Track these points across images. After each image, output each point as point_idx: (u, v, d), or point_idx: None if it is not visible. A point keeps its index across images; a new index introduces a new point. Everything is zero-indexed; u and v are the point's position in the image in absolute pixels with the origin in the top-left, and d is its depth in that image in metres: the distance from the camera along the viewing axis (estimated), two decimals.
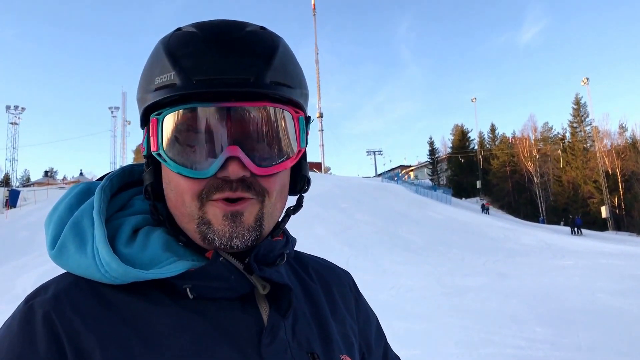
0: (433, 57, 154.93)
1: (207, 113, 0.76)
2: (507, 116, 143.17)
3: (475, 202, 69.33)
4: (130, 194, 0.93)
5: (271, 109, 0.79)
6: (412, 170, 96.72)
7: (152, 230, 0.84)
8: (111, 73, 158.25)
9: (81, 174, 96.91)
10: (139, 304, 0.77)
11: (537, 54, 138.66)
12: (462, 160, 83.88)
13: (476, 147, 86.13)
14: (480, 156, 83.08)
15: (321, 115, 78.35)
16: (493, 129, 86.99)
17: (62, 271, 0.82)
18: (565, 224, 46.58)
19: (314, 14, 79.76)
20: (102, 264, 0.75)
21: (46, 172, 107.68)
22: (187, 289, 0.78)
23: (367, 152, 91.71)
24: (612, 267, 16.57)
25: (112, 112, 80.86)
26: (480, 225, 32.36)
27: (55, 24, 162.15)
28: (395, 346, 1.16)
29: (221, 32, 0.78)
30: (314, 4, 79.95)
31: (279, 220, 0.90)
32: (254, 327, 0.81)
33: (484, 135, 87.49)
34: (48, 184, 73.05)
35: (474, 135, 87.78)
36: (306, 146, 0.88)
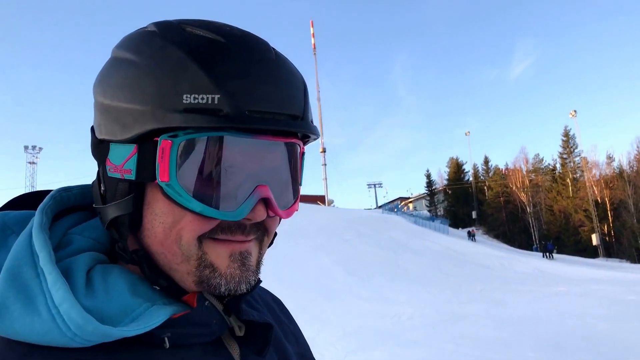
0: (428, 93, 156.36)
1: (243, 147, 0.63)
2: (500, 148, 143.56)
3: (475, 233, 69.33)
4: (64, 225, 0.73)
5: (295, 146, 0.70)
6: (411, 201, 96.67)
7: (107, 271, 0.67)
8: None
9: None
10: None
11: (527, 87, 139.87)
12: (458, 192, 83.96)
13: (471, 178, 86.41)
14: (475, 187, 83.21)
15: (324, 150, 78.70)
16: (487, 161, 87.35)
17: None
18: (539, 249, 47.20)
19: (315, 53, 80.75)
20: (70, 326, 0.56)
21: None
22: (166, 339, 0.64)
23: (368, 184, 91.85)
24: (603, 293, 16.57)
25: None
26: (477, 254, 32.35)
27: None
28: None
29: (255, 51, 0.65)
30: (314, 44, 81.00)
31: None
32: None
33: (478, 167, 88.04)
34: None
35: (468, 167, 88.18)
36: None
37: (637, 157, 66.64)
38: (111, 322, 0.61)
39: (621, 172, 67.20)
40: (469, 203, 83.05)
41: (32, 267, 0.61)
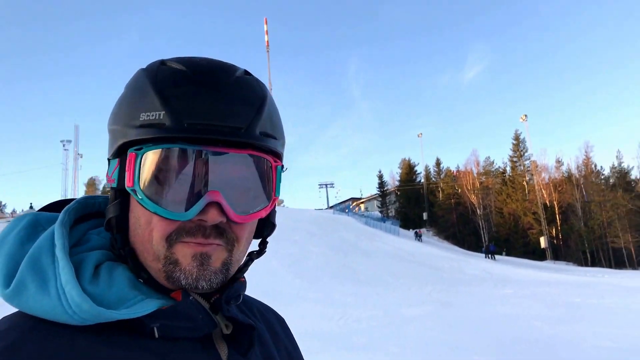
0: (382, 95, 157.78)
1: (192, 156, 0.73)
2: (452, 151, 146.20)
3: (423, 233, 70.29)
4: (85, 227, 0.87)
5: (255, 158, 0.78)
6: (362, 202, 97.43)
7: (114, 267, 0.79)
8: (63, 105, 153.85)
9: (31, 207, 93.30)
10: (102, 349, 0.70)
11: (480, 92, 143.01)
12: (409, 193, 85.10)
13: (422, 180, 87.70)
14: (426, 189, 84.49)
15: None
16: (438, 163, 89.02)
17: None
18: (483, 251, 49.43)
19: (268, 51, 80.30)
20: (71, 305, 0.68)
21: None
22: (155, 328, 0.74)
23: (320, 185, 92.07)
24: (549, 295, 16.97)
25: (63, 145, 77.54)
26: (427, 256, 32.80)
27: (5, 55, 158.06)
28: None
29: (213, 75, 0.76)
30: (267, 42, 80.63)
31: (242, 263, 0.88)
32: None
33: (429, 168, 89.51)
34: None
35: (420, 169, 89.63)
36: (279, 196, 0.86)
37: (585, 161, 69.16)
38: (108, 307, 0.71)
39: (569, 176, 69.61)
40: (420, 204, 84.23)
41: (50, 255, 0.74)
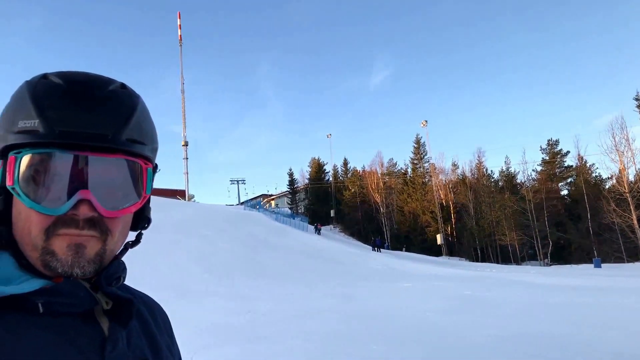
0: (293, 95, 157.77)
1: (64, 160, 0.80)
2: (359, 152, 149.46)
3: (329, 230, 71.27)
4: None
5: (123, 161, 0.85)
6: (273, 199, 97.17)
7: (1, 253, 0.85)
8: None
9: None
10: None
11: (385, 96, 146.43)
12: (318, 191, 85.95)
13: (330, 178, 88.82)
14: (334, 187, 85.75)
15: (186, 144, 76.63)
16: (346, 163, 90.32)
17: None
18: (370, 244, 52.44)
19: (180, 45, 78.20)
20: None
21: None
22: (39, 304, 0.80)
23: (231, 180, 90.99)
24: (443, 289, 17.79)
25: None
26: (333, 251, 33.36)
27: None
28: None
29: (85, 88, 0.83)
30: (180, 36, 78.63)
31: (117, 252, 0.94)
32: (97, 338, 0.85)
33: (337, 168, 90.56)
34: None
35: (329, 168, 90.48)
36: (150, 194, 0.94)
37: (478, 165, 72.74)
38: None
39: (464, 179, 72.83)
40: (328, 202, 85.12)
41: None
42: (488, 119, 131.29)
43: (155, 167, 0.97)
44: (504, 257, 62.42)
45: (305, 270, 23.79)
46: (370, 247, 48.52)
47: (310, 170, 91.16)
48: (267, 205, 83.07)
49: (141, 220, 1.00)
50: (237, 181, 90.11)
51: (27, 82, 0.87)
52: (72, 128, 0.79)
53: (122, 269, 0.95)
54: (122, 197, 0.87)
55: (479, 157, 73.85)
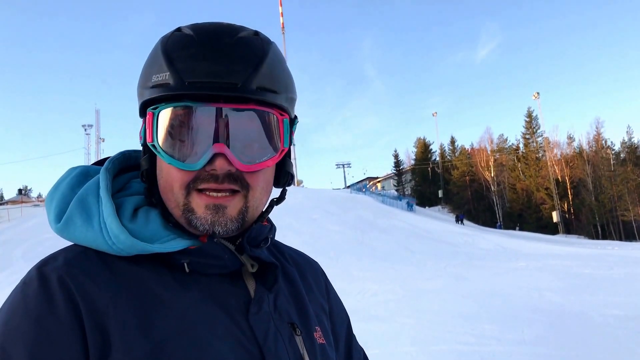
0: (396, 74, 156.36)
1: (197, 112, 0.80)
2: (466, 129, 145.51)
3: (437, 210, 70.13)
4: (129, 176, 0.96)
5: (257, 112, 0.83)
6: (379, 181, 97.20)
7: (150, 210, 0.88)
8: (84, 90, 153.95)
9: None
10: (142, 272, 0.81)
11: (493, 70, 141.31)
12: (424, 171, 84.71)
13: (437, 158, 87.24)
14: (441, 167, 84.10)
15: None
16: (453, 141, 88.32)
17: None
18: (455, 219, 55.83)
19: (283, 32, 79.39)
20: (110, 236, 0.79)
21: (20, 190, 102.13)
22: (185, 264, 0.83)
23: (337, 165, 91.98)
24: (559, 268, 16.98)
25: (85, 129, 76.38)
26: (442, 232, 32.80)
27: (24, 40, 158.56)
28: None
29: (214, 37, 0.81)
30: (283, 23, 79.87)
31: (263, 210, 0.93)
32: (242, 299, 0.87)
33: (444, 147, 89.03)
34: (22, 202, 66.32)
35: (435, 147, 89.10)
36: (290, 145, 0.91)
37: (596, 137, 68.30)
38: (144, 242, 0.81)
39: (581, 152, 68.76)
40: (435, 182, 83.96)
41: (95, 195, 0.86)
42: (607, 86, 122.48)
43: (294, 119, 0.93)
44: (628, 233, 58.51)
45: (414, 251, 23.61)
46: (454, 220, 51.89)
47: (415, 150, 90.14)
48: (373, 187, 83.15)
49: (283, 175, 0.97)
50: (343, 165, 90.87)
51: (161, 38, 0.88)
52: (200, 78, 0.78)
53: (268, 230, 0.95)
54: (257, 151, 0.85)
55: (597, 128, 69.41)
